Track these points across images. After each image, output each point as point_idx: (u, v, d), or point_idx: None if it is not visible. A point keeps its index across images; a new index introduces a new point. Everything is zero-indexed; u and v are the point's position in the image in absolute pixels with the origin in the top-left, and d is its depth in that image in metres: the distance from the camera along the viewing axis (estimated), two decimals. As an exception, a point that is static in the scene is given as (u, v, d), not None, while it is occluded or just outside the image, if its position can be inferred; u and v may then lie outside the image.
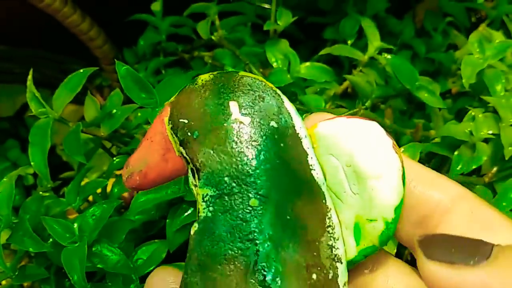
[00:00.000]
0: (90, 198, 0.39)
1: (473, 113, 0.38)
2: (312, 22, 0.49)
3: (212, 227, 0.20)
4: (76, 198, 0.35)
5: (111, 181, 0.39)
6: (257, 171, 0.20)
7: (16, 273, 0.33)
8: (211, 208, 0.20)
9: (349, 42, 0.43)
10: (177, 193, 0.32)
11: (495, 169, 0.37)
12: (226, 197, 0.20)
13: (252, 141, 0.20)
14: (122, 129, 0.40)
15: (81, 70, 0.36)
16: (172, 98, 0.22)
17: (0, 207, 0.32)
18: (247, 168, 0.20)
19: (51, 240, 0.32)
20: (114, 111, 0.38)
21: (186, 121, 0.21)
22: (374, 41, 0.41)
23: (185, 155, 0.21)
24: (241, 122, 0.21)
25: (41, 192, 0.39)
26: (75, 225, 0.31)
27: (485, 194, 0.37)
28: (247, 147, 0.20)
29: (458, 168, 0.37)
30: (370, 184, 0.21)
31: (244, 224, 0.20)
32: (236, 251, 0.20)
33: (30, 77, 0.36)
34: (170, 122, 0.22)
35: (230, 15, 0.48)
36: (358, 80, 0.38)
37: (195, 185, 0.21)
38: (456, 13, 0.49)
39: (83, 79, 0.36)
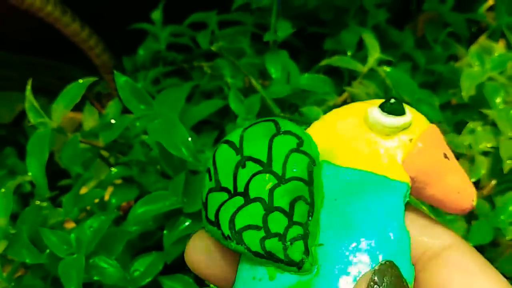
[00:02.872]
0: (88, 207, 0.39)
1: (472, 126, 0.38)
2: (312, 32, 0.49)
3: None
4: (74, 208, 0.35)
5: (109, 190, 0.39)
6: None
7: (12, 284, 0.33)
8: None
9: (349, 53, 0.43)
10: (175, 205, 0.32)
11: (493, 182, 0.37)
12: None
13: None
14: (120, 139, 0.40)
15: (80, 81, 0.36)
16: None
17: (-3, 218, 0.32)
18: None
19: (48, 251, 0.31)
20: (113, 121, 0.38)
21: None
22: (374, 53, 0.41)
23: None
24: None
25: (38, 202, 0.39)
26: (73, 236, 0.30)
27: (483, 207, 0.37)
28: None
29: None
30: None
31: None
32: None
33: (28, 86, 0.36)
34: None
35: (230, 24, 0.48)
36: (357, 92, 0.38)
37: None
38: (456, 23, 0.49)
39: (82, 89, 0.36)
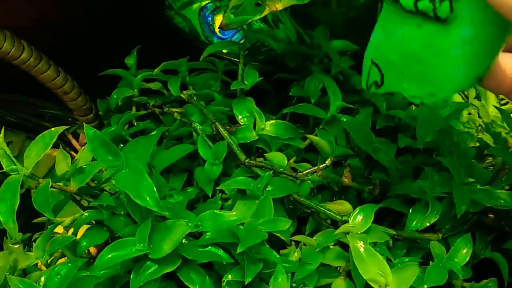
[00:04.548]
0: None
1: (427, 173, 0.40)
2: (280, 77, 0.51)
3: None
4: (44, 253, 0.37)
5: (80, 232, 0.40)
6: None
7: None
8: None
9: (312, 100, 0.45)
10: (142, 251, 0.34)
11: (448, 225, 0.39)
12: None
13: None
14: (92, 182, 0.41)
15: (52, 129, 0.37)
16: None
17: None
18: None
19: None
20: (84, 166, 0.39)
21: None
22: (336, 100, 0.43)
23: None
24: None
25: (10, 245, 0.40)
26: (41, 283, 0.31)
27: (439, 249, 0.38)
28: None
29: (413, 225, 0.39)
30: None
31: None
32: None
33: (1, 134, 0.37)
34: None
35: (201, 70, 0.50)
36: (318, 139, 0.40)
37: None
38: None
39: (54, 137, 0.37)
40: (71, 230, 0.41)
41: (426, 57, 0.29)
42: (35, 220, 0.49)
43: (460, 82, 0.30)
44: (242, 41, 0.45)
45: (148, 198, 0.32)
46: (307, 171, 0.39)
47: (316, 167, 0.39)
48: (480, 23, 0.27)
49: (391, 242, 0.39)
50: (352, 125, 0.39)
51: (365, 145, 0.38)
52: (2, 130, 0.37)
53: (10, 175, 0.37)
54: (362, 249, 0.34)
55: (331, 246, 0.38)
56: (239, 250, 0.33)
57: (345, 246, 0.39)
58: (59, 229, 0.41)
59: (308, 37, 0.50)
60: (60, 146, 0.43)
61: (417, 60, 0.29)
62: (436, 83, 0.30)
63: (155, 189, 0.32)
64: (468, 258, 0.38)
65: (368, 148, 0.38)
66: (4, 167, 0.37)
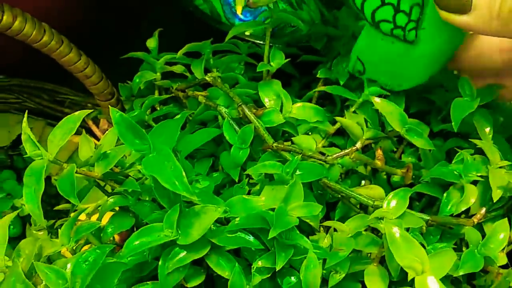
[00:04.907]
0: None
1: (461, 156, 0.38)
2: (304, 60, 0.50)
3: None
4: (70, 239, 0.36)
5: (105, 218, 0.40)
6: None
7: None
8: None
9: (341, 82, 0.44)
10: (170, 237, 0.33)
11: (483, 210, 0.38)
12: None
13: None
14: (116, 168, 0.41)
15: (76, 113, 0.36)
16: None
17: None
18: None
19: (43, 283, 0.32)
20: (109, 151, 0.38)
21: None
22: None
23: None
24: None
25: (35, 232, 0.39)
26: (68, 270, 0.31)
27: (474, 235, 0.37)
28: None
29: (447, 209, 0.38)
30: None
31: None
32: None
33: (25, 119, 0.36)
34: None
35: (225, 52, 0.49)
36: (348, 122, 0.39)
37: None
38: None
39: (78, 121, 0.36)
40: (94, 217, 0.41)
41: (398, 62, 0.41)
42: (57, 207, 0.49)
43: (422, 77, 0.42)
44: (267, 21, 0.44)
45: (177, 182, 0.31)
46: (337, 154, 0.38)
47: (348, 150, 0.37)
48: (438, 42, 0.39)
49: (424, 228, 0.38)
50: (385, 107, 0.37)
51: (399, 126, 0.37)
52: (25, 115, 0.36)
53: (34, 160, 0.36)
54: (397, 235, 0.33)
55: (363, 232, 0.37)
56: (270, 235, 0.32)
57: (375, 232, 0.38)
58: (81, 217, 0.41)
59: (333, 18, 0.49)
60: (83, 131, 0.42)
61: (392, 63, 0.41)
62: (404, 78, 0.42)
63: (183, 173, 0.31)
64: (504, 244, 0.37)
65: (401, 129, 0.37)
66: (28, 152, 0.36)
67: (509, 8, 0.31)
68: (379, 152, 0.38)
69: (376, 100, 0.38)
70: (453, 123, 0.38)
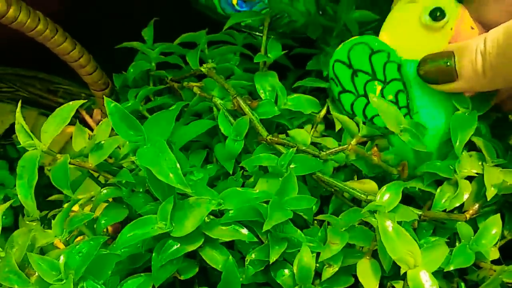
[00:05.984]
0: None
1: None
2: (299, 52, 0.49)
3: None
4: (63, 230, 0.36)
5: (98, 210, 0.40)
6: None
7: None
8: None
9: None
10: (163, 229, 0.33)
11: (476, 205, 0.38)
12: None
13: None
14: (110, 159, 0.40)
15: (70, 103, 0.36)
16: None
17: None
18: None
19: (36, 275, 0.32)
20: (103, 142, 0.38)
21: None
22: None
23: None
24: None
25: (28, 222, 0.39)
26: (61, 262, 0.31)
27: (467, 230, 0.37)
28: None
29: (440, 204, 0.38)
30: None
31: None
32: None
33: (18, 108, 0.36)
34: None
35: (220, 43, 0.49)
36: (344, 118, 0.39)
37: None
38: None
39: (72, 111, 0.36)
40: (87, 208, 0.41)
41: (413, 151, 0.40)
42: (50, 198, 0.48)
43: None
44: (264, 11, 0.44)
45: (171, 175, 0.31)
46: (331, 150, 0.38)
47: (345, 146, 0.37)
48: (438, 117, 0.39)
49: (416, 222, 0.38)
50: (381, 105, 0.37)
51: (394, 126, 0.36)
52: (19, 104, 0.36)
53: (27, 150, 0.36)
54: (390, 228, 0.33)
55: (356, 226, 0.37)
56: (264, 228, 0.32)
57: (369, 226, 0.38)
58: (75, 208, 0.40)
59: (331, 10, 0.49)
60: (77, 121, 0.42)
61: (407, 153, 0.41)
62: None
63: (178, 165, 0.31)
64: (496, 240, 0.37)
65: (396, 129, 0.37)
66: (21, 142, 0.36)
67: (490, 66, 0.33)
68: (375, 149, 0.38)
69: (373, 99, 0.37)
70: (457, 144, 0.37)
